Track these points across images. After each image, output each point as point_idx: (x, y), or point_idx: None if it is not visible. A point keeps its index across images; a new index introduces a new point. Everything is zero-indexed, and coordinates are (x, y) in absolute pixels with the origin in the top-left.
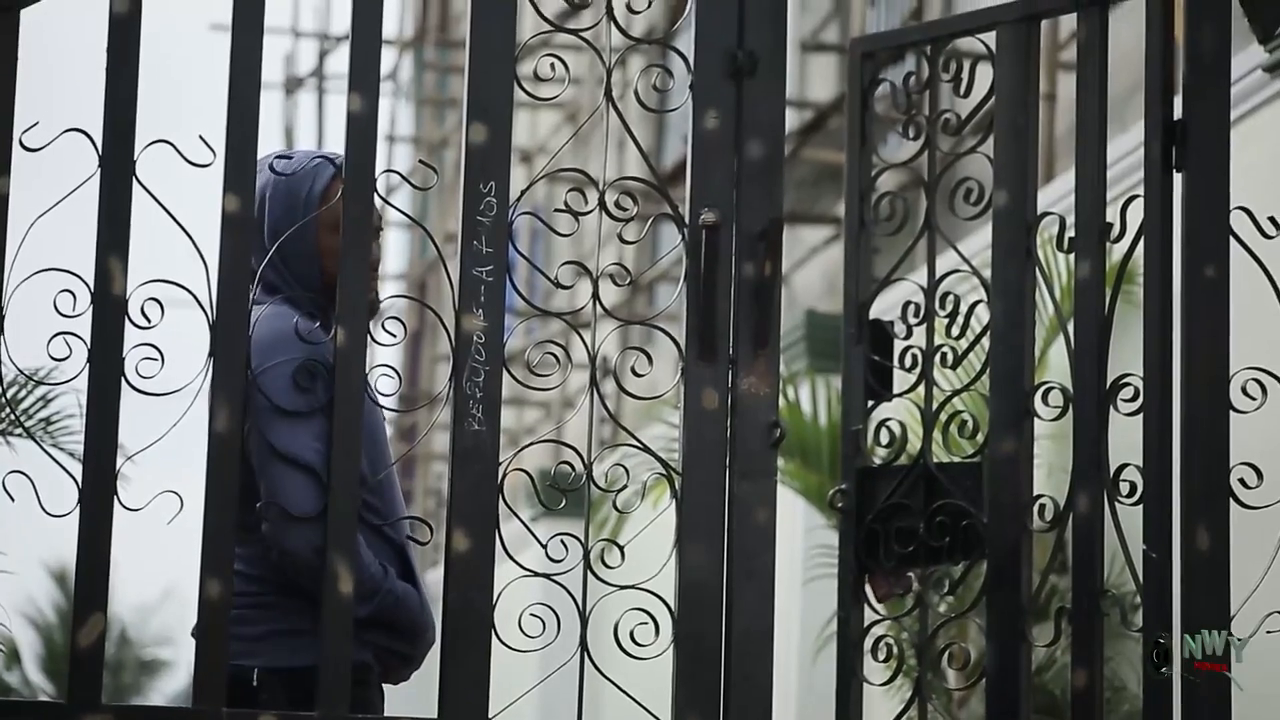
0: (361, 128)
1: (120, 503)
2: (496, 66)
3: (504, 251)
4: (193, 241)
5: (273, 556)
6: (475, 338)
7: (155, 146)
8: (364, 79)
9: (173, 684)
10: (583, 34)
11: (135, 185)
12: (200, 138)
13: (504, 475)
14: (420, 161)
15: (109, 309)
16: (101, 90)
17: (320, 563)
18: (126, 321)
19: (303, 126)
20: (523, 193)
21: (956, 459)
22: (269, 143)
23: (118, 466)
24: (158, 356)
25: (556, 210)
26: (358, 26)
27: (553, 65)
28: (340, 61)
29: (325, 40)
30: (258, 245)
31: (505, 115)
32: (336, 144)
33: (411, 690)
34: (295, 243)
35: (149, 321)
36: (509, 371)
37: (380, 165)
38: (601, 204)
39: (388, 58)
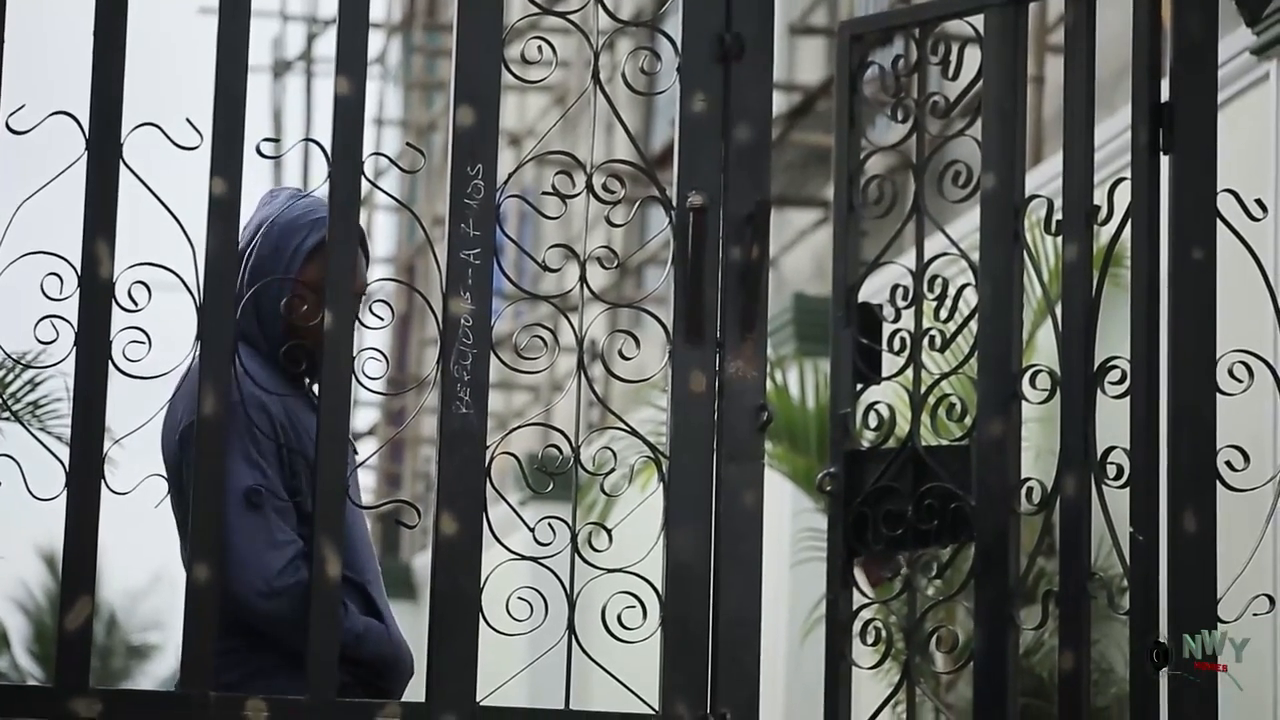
0: (349, 111)
1: (108, 486)
2: (484, 49)
3: (491, 234)
4: (180, 225)
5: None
6: (463, 321)
7: (142, 129)
8: (351, 62)
9: (161, 668)
10: (570, 17)
11: (122, 168)
12: (187, 121)
13: (491, 459)
14: (408, 144)
15: (96, 292)
16: (89, 73)
17: (271, 605)
18: (114, 305)
19: (291, 110)
20: (510, 176)
21: (945, 442)
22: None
23: (105, 450)
24: (145, 340)
25: (544, 193)
26: (345, 10)
27: (540, 48)
28: (328, 45)
29: (313, 24)
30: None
31: (493, 98)
32: (325, 126)
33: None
34: (272, 288)
35: (136, 305)
36: (497, 355)
37: (368, 148)
38: (589, 187)
39: (376, 41)
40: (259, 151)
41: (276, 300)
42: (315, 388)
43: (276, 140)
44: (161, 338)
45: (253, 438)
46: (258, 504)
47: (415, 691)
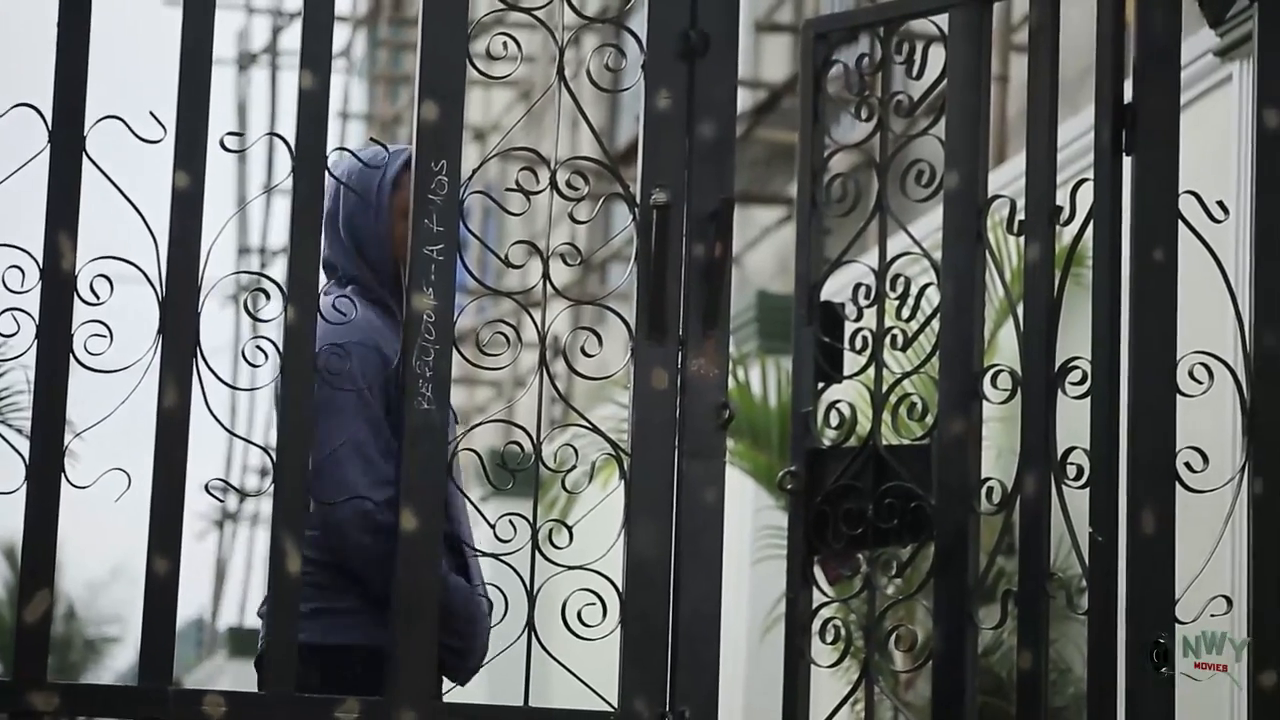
0: (313, 105)
1: (68, 480)
2: (449, 44)
3: (455, 230)
4: (143, 218)
5: (324, 538)
6: (425, 316)
7: (106, 122)
8: (315, 57)
9: (121, 661)
10: (536, 12)
11: (85, 161)
12: (151, 114)
13: (453, 454)
14: (371, 139)
15: (58, 285)
16: (52, 65)
17: (369, 539)
18: (75, 298)
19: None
20: (474, 171)
21: (906, 441)
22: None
23: (66, 443)
24: (106, 333)
25: (508, 189)
26: (310, 3)
27: (505, 44)
28: (294, 38)
29: (279, 16)
30: (330, 237)
31: (457, 93)
32: (290, 120)
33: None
34: (369, 229)
35: (98, 298)
36: (459, 350)
37: (332, 143)
38: (553, 183)
39: (342, 35)
40: (223, 145)
41: (381, 243)
42: None
43: (241, 134)
44: (123, 331)
45: (367, 383)
46: (364, 449)
47: (375, 687)
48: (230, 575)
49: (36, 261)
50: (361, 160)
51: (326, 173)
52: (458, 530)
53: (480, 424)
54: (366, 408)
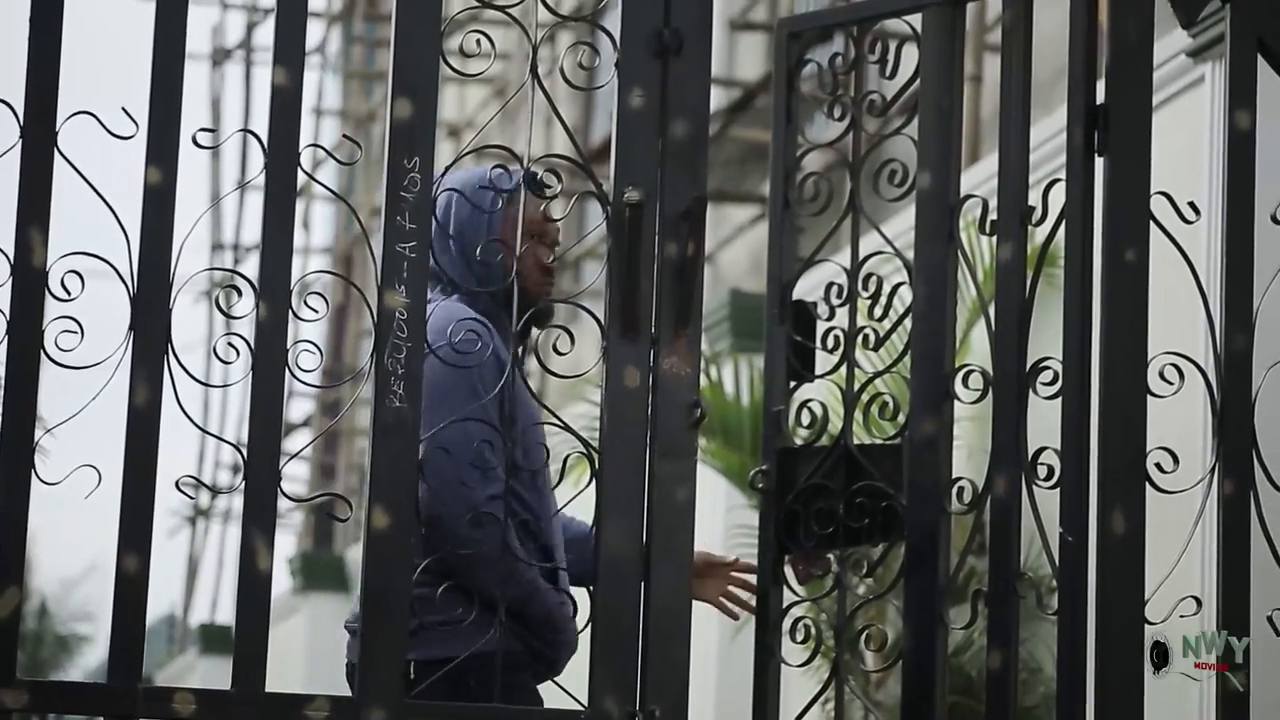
0: (286, 102)
1: (38, 476)
2: (422, 42)
3: (427, 228)
4: (114, 214)
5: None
6: (397, 314)
7: (78, 117)
8: (289, 54)
9: (93, 658)
10: (510, 10)
11: (57, 156)
12: (123, 110)
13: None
14: (345, 136)
15: (29, 281)
16: (24, 60)
17: (466, 537)
18: (46, 294)
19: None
20: (447, 169)
21: (877, 440)
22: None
23: (36, 439)
24: (77, 329)
25: (481, 187)
26: (283, 1)
27: (479, 41)
28: (268, 34)
29: (253, 12)
30: (439, 247)
31: (430, 91)
32: (264, 116)
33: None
34: (480, 237)
35: (69, 294)
36: (430, 348)
37: (307, 138)
38: (525, 180)
39: (316, 31)
40: (195, 141)
41: (488, 253)
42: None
43: (214, 130)
44: (94, 327)
45: (480, 375)
46: (473, 439)
47: (342, 686)
48: (202, 572)
49: (7, 257)
50: (475, 175)
51: (438, 184)
52: (551, 539)
53: (452, 422)
54: (476, 398)
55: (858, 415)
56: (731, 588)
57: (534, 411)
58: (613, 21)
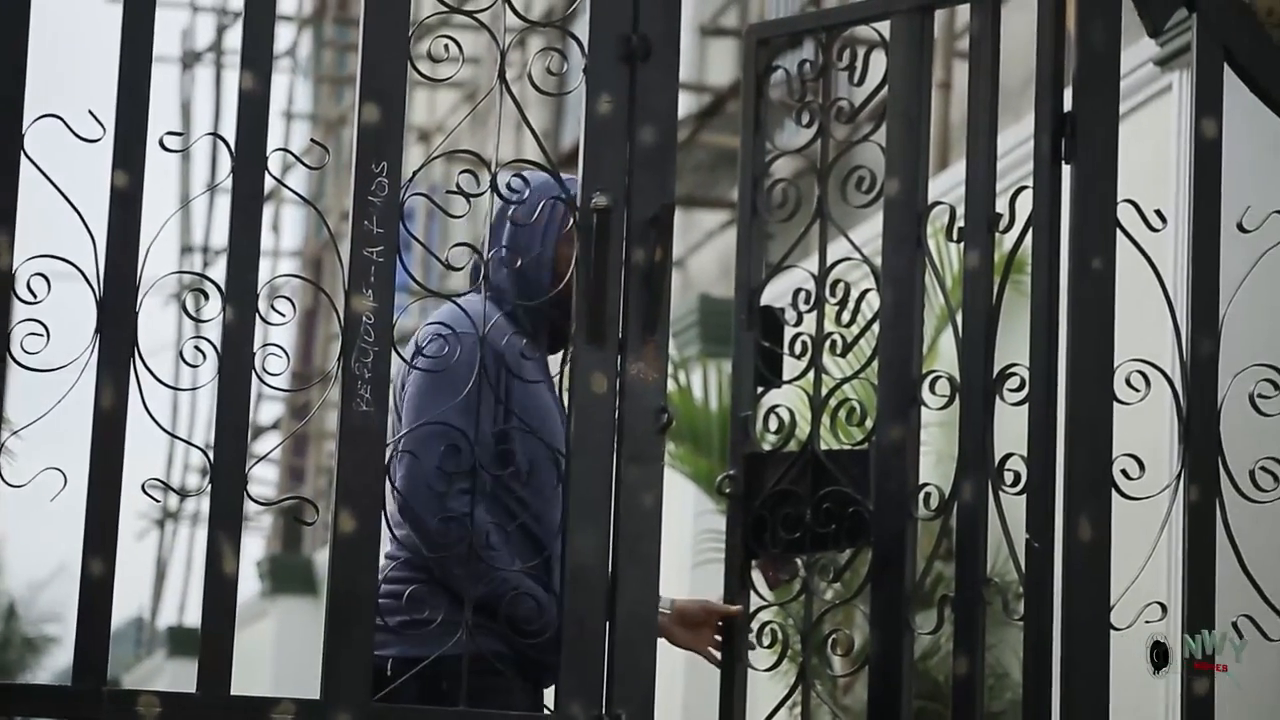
0: (254, 106)
1: (4, 479)
2: (390, 46)
3: (395, 232)
4: (80, 217)
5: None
6: (364, 318)
7: (45, 119)
8: (257, 58)
9: (60, 660)
10: (478, 15)
11: (23, 158)
12: (90, 112)
13: (391, 456)
14: (313, 141)
15: None
16: None
17: (437, 535)
18: (12, 296)
19: (200, 102)
20: (415, 173)
21: (845, 446)
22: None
23: (3, 441)
24: (43, 332)
25: (449, 192)
26: (251, 3)
27: (447, 46)
28: (239, 37)
29: (223, 15)
30: (490, 248)
31: (399, 96)
32: (232, 120)
33: None
34: (530, 247)
35: (35, 296)
36: (398, 353)
37: (277, 142)
38: (494, 186)
39: (286, 34)
40: (162, 145)
41: (539, 257)
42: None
43: (182, 134)
44: (60, 330)
45: (462, 368)
46: (447, 433)
47: (310, 689)
48: (171, 575)
49: None
50: (534, 183)
51: (492, 189)
52: (551, 541)
53: (420, 426)
54: (455, 392)
55: (825, 421)
56: (719, 637)
57: (543, 418)
58: (581, 27)
